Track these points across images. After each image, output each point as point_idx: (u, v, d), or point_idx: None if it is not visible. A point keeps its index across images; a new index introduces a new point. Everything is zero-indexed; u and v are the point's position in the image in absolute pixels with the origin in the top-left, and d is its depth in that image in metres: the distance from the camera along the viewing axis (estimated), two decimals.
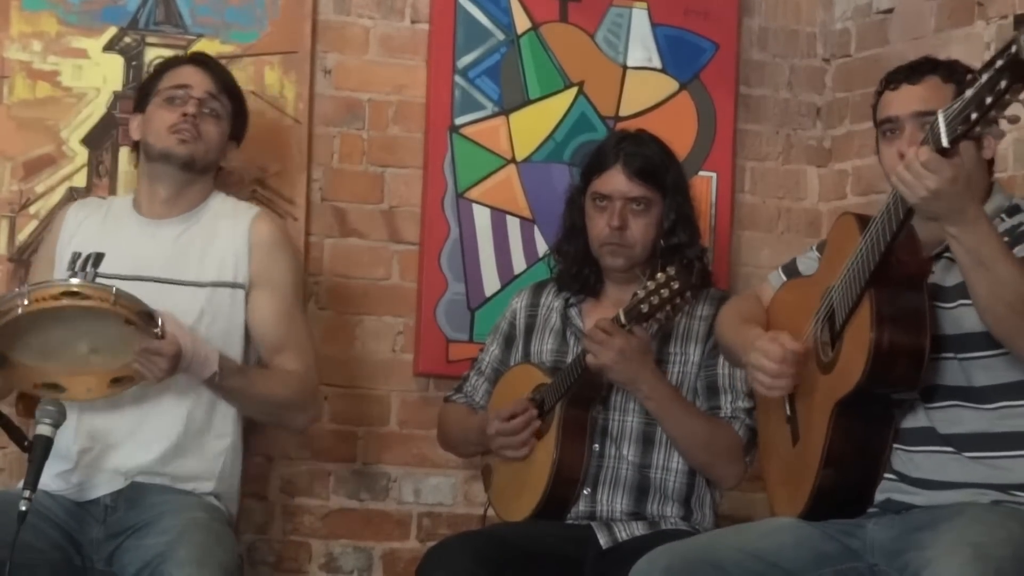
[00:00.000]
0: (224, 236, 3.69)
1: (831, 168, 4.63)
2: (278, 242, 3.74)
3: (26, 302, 3.34)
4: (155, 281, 3.60)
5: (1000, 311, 2.86)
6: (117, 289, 3.37)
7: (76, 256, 3.66)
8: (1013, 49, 2.62)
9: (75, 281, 3.44)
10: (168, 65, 3.81)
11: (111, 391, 3.50)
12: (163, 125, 3.68)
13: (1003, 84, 2.64)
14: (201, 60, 3.81)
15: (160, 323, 3.40)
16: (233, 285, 3.66)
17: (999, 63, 2.65)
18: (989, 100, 2.66)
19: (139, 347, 3.39)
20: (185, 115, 3.67)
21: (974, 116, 2.69)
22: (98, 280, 3.56)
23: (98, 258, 3.65)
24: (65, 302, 3.35)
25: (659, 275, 3.53)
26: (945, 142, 2.76)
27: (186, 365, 3.45)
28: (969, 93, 2.69)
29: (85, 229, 3.72)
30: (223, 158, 3.81)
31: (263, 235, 3.71)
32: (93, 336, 3.43)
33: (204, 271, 3.65)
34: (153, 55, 4.12)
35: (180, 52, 4.08)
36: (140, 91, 3.82)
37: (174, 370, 3.43)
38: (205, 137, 3.70)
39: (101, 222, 3.74)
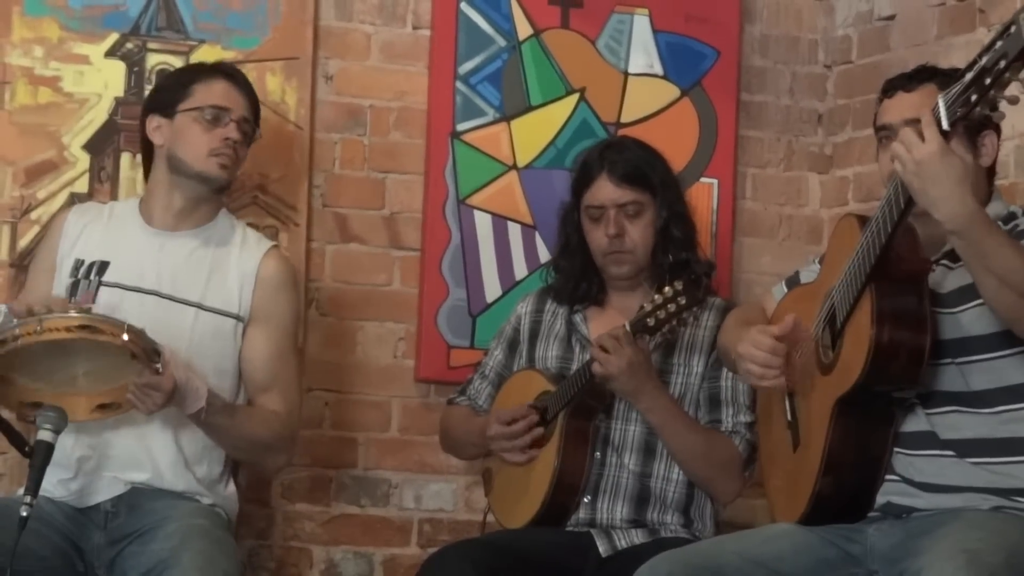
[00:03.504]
0: (234, 266, 3.66)
1: (832, 175, 4.63)
2: (284, 282, 3.71)
3: (40, 328, 3.30)
4: (157, 295, 3.59)
5: (1009, 300, 2.86)
6: (130, 325, 3.33)
7: (79, 263, 3.64)
8: (1013, 29, 2.63)
9: (89, 313, 3.36)
10: (199, 75, 3.71)
11: (95, 416, 3.46)
12: (203, 146, 3.63)
13: (1002, 63, 2.65)
14: (234, 75, 3.73)
15: (161, 359, 3.37)
16: (236, 317, 3.65)
17: (999, 44, 2.66)
18: (988, 80, 2.67)
19: (139, 381, 3.36)
20: (226, 139, 3.63)
21: (974, 98, 2.70)
22: (101, 288, 3.56)
23: (103, 266, 3.63)
24: (78, 335, 3.31)
25: (666, 289, 3.55)
26: (945, 124, 2.77)
27: (177, 400, 3.42)
28: (969, 76, 2.71)
29: (88, 236, 3.69)
30: None
31: (270, 273, 3.69)
32: (89, 361, 3.40)
33: (208, 296, 3.63)
34: (155, 61, 4.12)
35: (182, 58, 4.09)
36: (163, 94, 3.73)
37: (167, 405, 3.41)
38: (240, 160, 3.70)
39: (104, 229, 3.70)
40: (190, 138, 3.65)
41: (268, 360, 3.67)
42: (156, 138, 3.70)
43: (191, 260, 3.66)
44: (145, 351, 3.35)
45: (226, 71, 3.76)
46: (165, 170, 3.69)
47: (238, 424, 3.59)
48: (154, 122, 3.71)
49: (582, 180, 3.84)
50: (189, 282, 3.63)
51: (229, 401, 3.61)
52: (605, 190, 3.78)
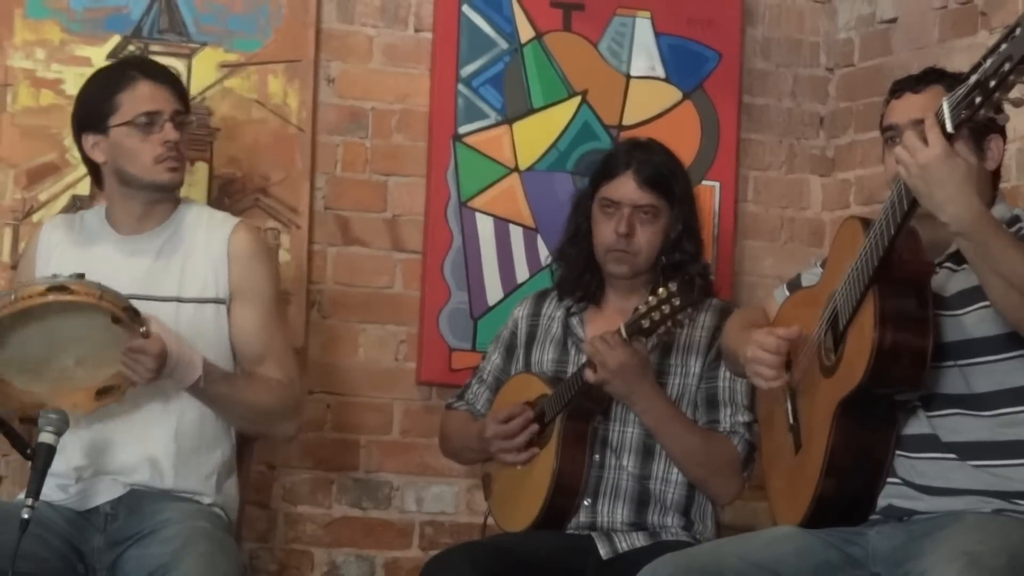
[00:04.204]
0: (203, 251, 3.65)
1: (834, 177, 4.63)
2: (256, 253, 3.69)
3: (13, 298, 3.32)
4: (136, 298, 3.58)
5: (1016, 301, 2.86)
6: (101, 284, 3.35)
7: (55, 278, 3.64)
8: (1018, 32, 2.64)
9: (61, 276, 3.39)
10: (120, 83, 3.64)
11: (98, 404, 3.46)
12: (146, 156, 3.59)
13: (1007, 66, 2.65)
14: (153, 72, 3.67)
15: (145, 322, 3.39)
16: (216, 301, 3.64)
17: (1003, 46, 2.66)
18: (993, 83, 2.67)
19: (127, 345, 3.37)
20: (166, 142, 3.60)
21: (978, 100, 2.70)
22: None
23: (79, 279, 3.62)
24: (52, 297, 3.32)
25: (660, 290, 3.54)
26: (950, 127, 2.77)
27: (171, 367, 3.43)
28: (973, 79, 2.71)
29: (62, 250, 3.68)
30: None
31: (241, 247, 3.67)
32: (77, 346, 3.41)
33: (185, 287, 3.63)
34: None
35: (184, 60, 4.08)
36: (90, 110, 3.65)
37: (160, 370, 3.40)
38: (185, 153, 3.67)
39: (76, 241, 3.69)
40: (131, 151, 3.61)
41: (258, 332, 3.66)
42: (97, 156, 3.66)
43: (161, 257, 3.65)
44: (126, 312, 3.36)
45: (143, 69, 3.68)
46: (116, 184, 3.67)
47: (239, 391, 3.59)
48: (90, 140, 3.66)
49: (604, 172, 3.82)
50: (164, 279, 3.63)
51: (227, 371, 3.61)
52: (626, 187, 3.77)
